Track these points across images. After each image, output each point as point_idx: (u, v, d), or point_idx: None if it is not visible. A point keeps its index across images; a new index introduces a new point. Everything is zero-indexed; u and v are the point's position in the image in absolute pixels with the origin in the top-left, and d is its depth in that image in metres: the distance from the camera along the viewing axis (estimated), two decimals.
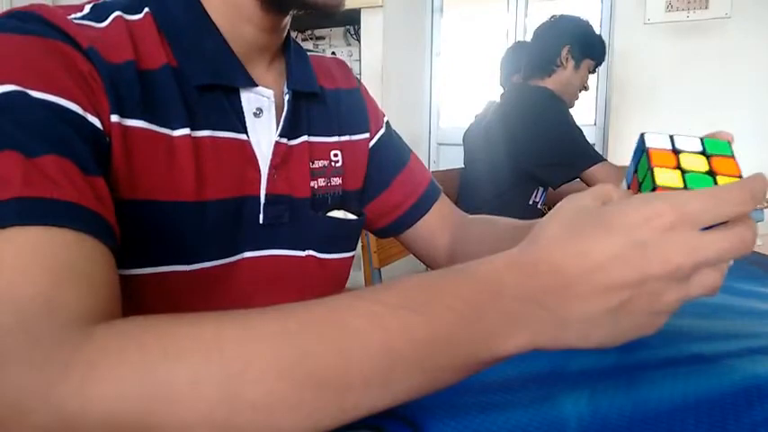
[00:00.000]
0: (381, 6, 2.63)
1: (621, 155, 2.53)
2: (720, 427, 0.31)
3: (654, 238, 0.30)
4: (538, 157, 1.61)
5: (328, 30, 3.03)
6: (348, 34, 3.02)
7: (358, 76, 0.72)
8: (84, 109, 0.42)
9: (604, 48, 1.77)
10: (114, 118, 0.45)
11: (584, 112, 2.95)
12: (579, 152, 1.58)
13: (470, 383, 0.39)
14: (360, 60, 2.82)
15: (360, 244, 1.10)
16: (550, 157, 1.60)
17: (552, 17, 1.75)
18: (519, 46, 2.10)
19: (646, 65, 2.70)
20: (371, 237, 1.40)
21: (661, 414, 0.33)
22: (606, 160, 1.58)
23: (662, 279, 0.30)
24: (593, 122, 2.95)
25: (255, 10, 0.53)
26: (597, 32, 1.80)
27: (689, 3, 2.58)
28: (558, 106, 1.63)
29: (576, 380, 0.39)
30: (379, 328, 0.30)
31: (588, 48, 1.72)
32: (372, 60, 2.70)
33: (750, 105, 2.60)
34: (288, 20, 0.57)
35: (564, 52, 1.68)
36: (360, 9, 2.67)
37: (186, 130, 0.49)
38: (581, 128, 1.69)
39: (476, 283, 0.32)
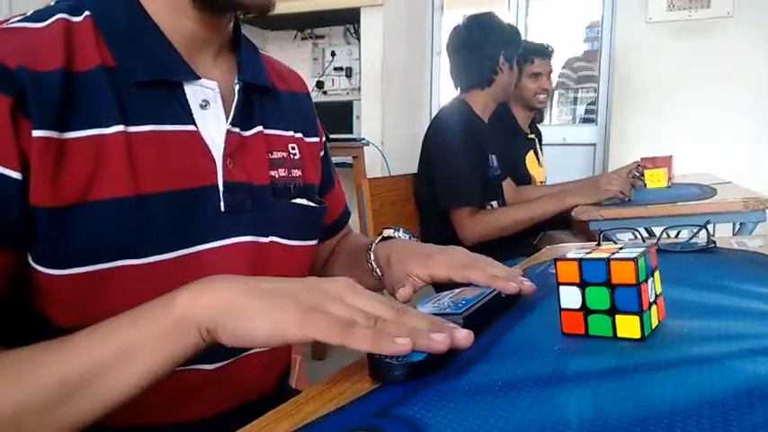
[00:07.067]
0: (381, 5, 2.63)
1: (622, 154, 2.53)
2: (722, 429, 0.31)
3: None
4: (432, 177, 1.65)
5: (328, 29, 3.03)
6: (348, 33, 3.01)
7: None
8: None
9: (520, 35, 1.79)
10: (38, 133, 0.46)
11: (584, 112, 2.94)
12: (460, 185, 1.61)
13: (471, 385, 0.39)
14: (359, 59, 2.82)
15: None
16: (439, 178, 1.64)
17: (473, 18, 1.74)
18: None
19: (647, 64, 2.69)
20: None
21: (662, 415, 0.33)
22: (475, 205, 1.62)
23: (311, 283, 0.43)
24: (594, 122, 2.95)
25: (189, 7, 0.54)
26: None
27: (691, 2, 2.58)
28: (461, 136, 1.64)
29: (578, 382, 0.38)
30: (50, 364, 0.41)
31: (516, 45, 1.75)
32: (372, 59, 2.70)
33: (751, 104, 2.59)
34: (229, 17, 0.59)
35: (500, 60, 1.69)
36: (359, 8, 2.66)
37: (119, 127, 0.50)
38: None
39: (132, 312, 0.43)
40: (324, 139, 0.75)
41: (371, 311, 0.41)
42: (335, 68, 2.97)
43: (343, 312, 0.40)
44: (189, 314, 0.41)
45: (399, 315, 0.42)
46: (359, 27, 2.79)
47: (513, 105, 2.13)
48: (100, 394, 0.40)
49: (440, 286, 0.62)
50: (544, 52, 2.09)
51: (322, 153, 0.73)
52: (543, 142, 2.31)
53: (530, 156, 2.11)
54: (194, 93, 0.56)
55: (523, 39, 2.07)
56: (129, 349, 0.40)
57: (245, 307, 0.41)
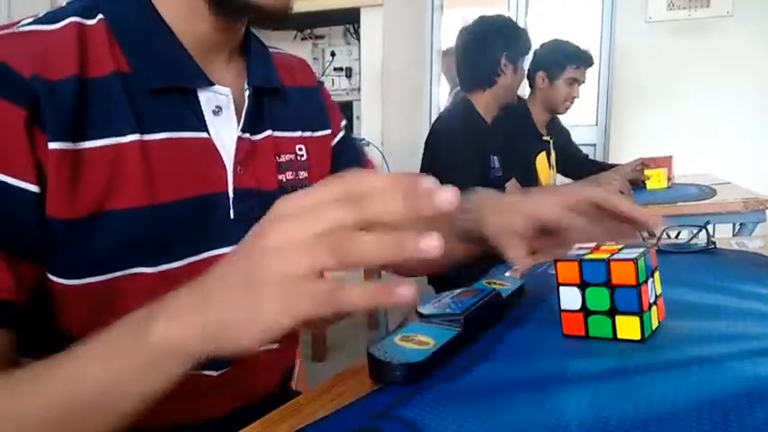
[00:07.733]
0: (381, 5, 2.63)
1: (622, 154, 2.53)
2: (722, 430, 0.31)
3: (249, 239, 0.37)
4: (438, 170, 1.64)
5: (328, 29, 3.03)
6: (348, 33, 3.01)
7: (319, 77, 0.73)
8: (4, 172, 0.44)
9: (529, 38, 1.77)
10: (54, 145, 0.45)
11: (584, 112, 2.94)
12: (461, 184, 1.60)
13: (471, 386, 0.39)
14: (359, 59, 2.82)
15: None
16: (440, 178, 1.62)
17: (480, 19, 1.73)
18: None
19: (647, 63, 2.69)
20: None
21: (662, 417, 0.33)
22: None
23: (249, 252, 0.35)
24: (594, 122, 2.95)
25: (206, 11, 0.54)
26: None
27: (690, 1, 2.58)
28: (464, 136, 1.64)
29: (578, 383, 0.38)
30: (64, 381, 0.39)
31: (522, 47, 1.73)
32: (372, 59, 2.70)
33: (751, 103, 2.59)
34: (244, 20, 0.58)
35: (503, 61, 1.68)
36: (359, 8, 2.66)
37: (135, 136, 0.50)
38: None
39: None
40: (340, 130, 0.72)
41: (327, 229, 0.33)
42: (335, 69, 2.97)
43: (304, 260, 0.33)
44: (165, 344, 0.36)
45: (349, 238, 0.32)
46: (359, 27, 2.79)
47: (535, 105, 2.10)
48: (89, 428, 0.39)
49: (439, 286, 0.62)
50: (588, 61, 2.06)
51: (334, 142, 0.71)
52: None
53: (541, 157, 2.09)
54: (208, 99, 0.55)
55: (566, 41, 2.06)
56: (108, 389, 0.38)
57: (218, 324, 0.35)
